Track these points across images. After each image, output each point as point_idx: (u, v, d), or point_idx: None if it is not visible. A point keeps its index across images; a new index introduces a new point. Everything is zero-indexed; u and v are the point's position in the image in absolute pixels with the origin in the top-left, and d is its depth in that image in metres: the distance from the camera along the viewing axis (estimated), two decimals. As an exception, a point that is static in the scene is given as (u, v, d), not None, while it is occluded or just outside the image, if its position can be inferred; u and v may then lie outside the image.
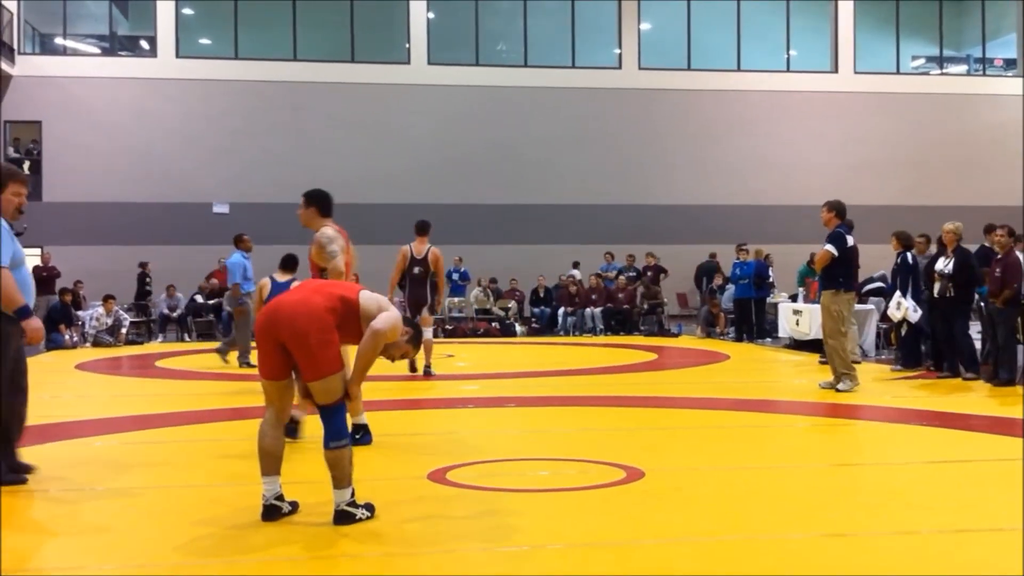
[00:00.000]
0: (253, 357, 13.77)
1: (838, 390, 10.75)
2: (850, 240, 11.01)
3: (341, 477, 5.05)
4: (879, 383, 11.97)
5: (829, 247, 10.91)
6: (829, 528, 5.07)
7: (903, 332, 13.16)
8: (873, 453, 7.56)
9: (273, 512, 5.16)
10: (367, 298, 5.17)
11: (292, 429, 7.30)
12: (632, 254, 24.11)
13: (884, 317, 14.73)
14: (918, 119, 27.37)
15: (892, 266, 13.62)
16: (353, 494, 5.10)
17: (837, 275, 10.98)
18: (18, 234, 6.35)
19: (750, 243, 20.34)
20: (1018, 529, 4.93)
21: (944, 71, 29.40)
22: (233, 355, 14.52)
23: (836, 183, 26.38)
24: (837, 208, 11.14)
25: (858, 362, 13.73)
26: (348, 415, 7.21)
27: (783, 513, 5.41)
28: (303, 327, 4.93)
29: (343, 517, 5.05)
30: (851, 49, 27.73)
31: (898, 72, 28.32)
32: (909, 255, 13.04)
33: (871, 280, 16.82)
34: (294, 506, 5.26)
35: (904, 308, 12.79)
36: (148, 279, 22.58)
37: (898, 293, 12.97)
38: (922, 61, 29.60)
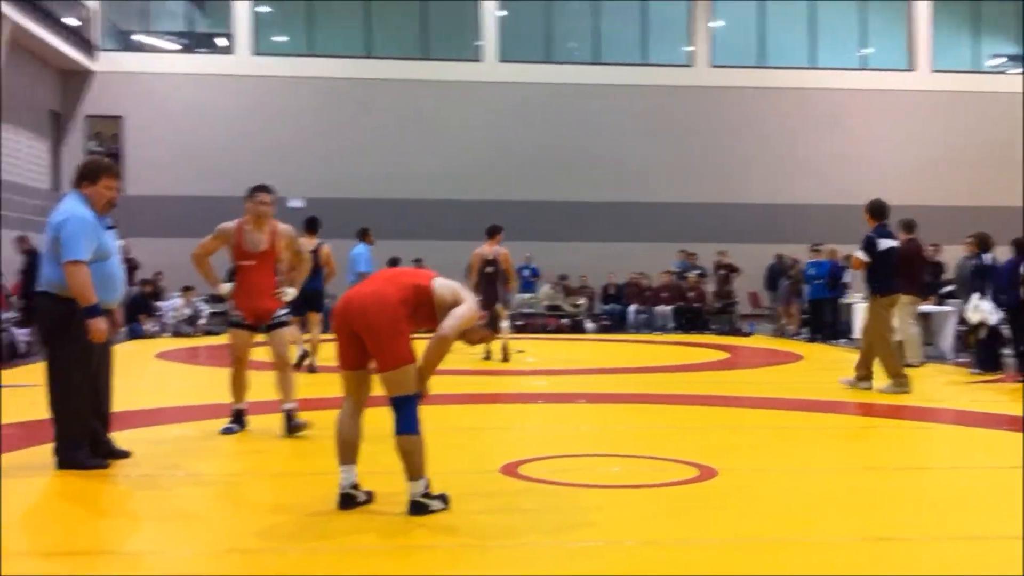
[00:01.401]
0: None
1: (880, 390, 10.65)
2: (884, 243, 10.72)
3: (414, 468, 5.12)
4: (956, 387, 11.78)
5: (859, 253, 10.73)
6: (899, 531, 5.03)
7: (981, 335, 12.92)
8: (948, 457, 7.47)
9: (349, 501, 5.24)
10: (441, 286, 5.24)
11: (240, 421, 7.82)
12: (694, 252, 23.95)
13: (963, 319, 14.47)
14: (997, 118, 26.78)
15: (960, 267, 13.39)
16: (428, 485, 5.17)
17: (873, 280, 10.81)
18: (111, 227, 6.49)
19: (825, 243, 20.09)
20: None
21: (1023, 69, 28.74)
22: None
23: (912, 182, 25.96)
24: (872, 210, 10.95)
25: (915, 365, 13.49)
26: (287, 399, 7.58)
27: (854, 516, 5.38)
28: (375, 318, 5.04)
29: (417, 508, 5.12)
30: (928, 47, 27.24)
31: (977, 70, 27.76)
32: (987, 257, 12.82)
33: (950, 282, 16.55)
34: (369, 496, 5.35)
35: (982, 311, 12.58)
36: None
37: (976, 295, 12.75)
38: (1002, 59, 28.96)
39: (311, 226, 12.63)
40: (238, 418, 7.84)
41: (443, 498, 5.24)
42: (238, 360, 7.86)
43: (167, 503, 5.56)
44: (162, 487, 5.96)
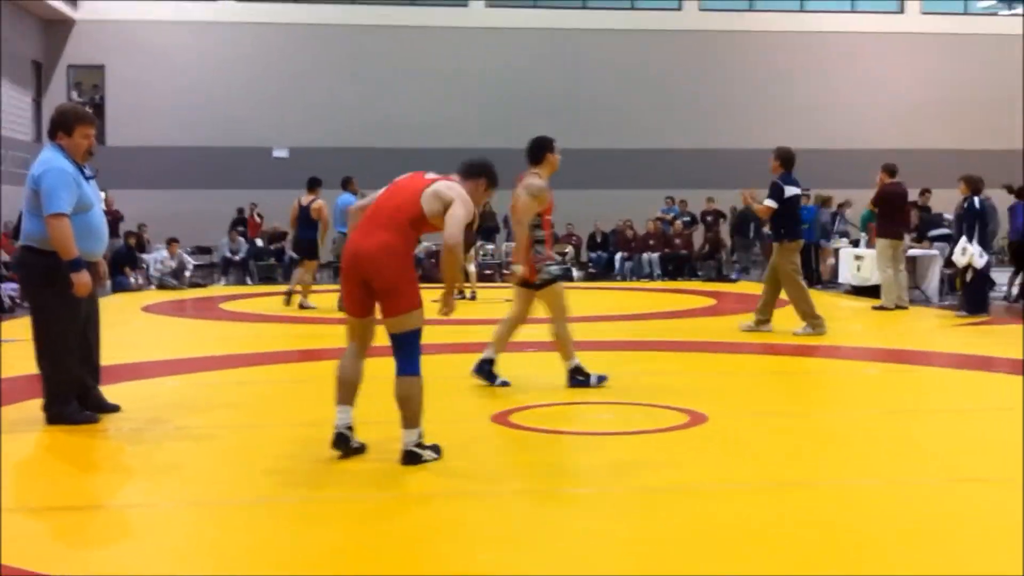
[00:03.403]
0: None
1: (795, 333, 10.79)
2: (789, 190, 10.78)
3: (410, 416, 5.15)
4: (943, 330, 11.84)
5: (769, 201, 10.78)
6: (889, 474, 5.05)
7: (968, 278, 12.95)
8: (936, 399, 7.49)
9: (343, 441, 5.23)
10: (428, 200, 5.21)
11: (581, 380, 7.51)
12: (684, 199, 23.89)
13: (948, 262, 14.50)
14: (988, 60, 26.66)
15: (958, 210, 13.40)
16: (421, 435, 5.17)
17: (778, 227, 10.89)
18: (91, 177, 6.39)
19: (814, 188, 20.03)
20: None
21: (1013, 11, 28.55)
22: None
23: (903, 126, 25.91)
24: (782, 156, 11.01)
25: (904, 307, 13.60)
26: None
27: (845, 459, 5.40)
28: (385, 269, 5.10)
29: (410, 457, 5.13)
30: (918, -13, 27.08)
31: (966, 12, 27.59)
32: (976, 200, 12.81)
33: (939, 224, 16.55)
34: (362, 447, 5.34)
35: (969, 254, 12.60)
36: (253, 219, 22.90)
37: (964, 238, 12.76)
38: (992, 1, 28.79)
39: (312, 184, 14.59)
40: (583, 372, 7.54)
41: (435, 448, 5.25)
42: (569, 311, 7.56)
43: (157, 456, 5.54)
44: (152, 441, 5.93)
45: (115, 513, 4.66)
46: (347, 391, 5.28)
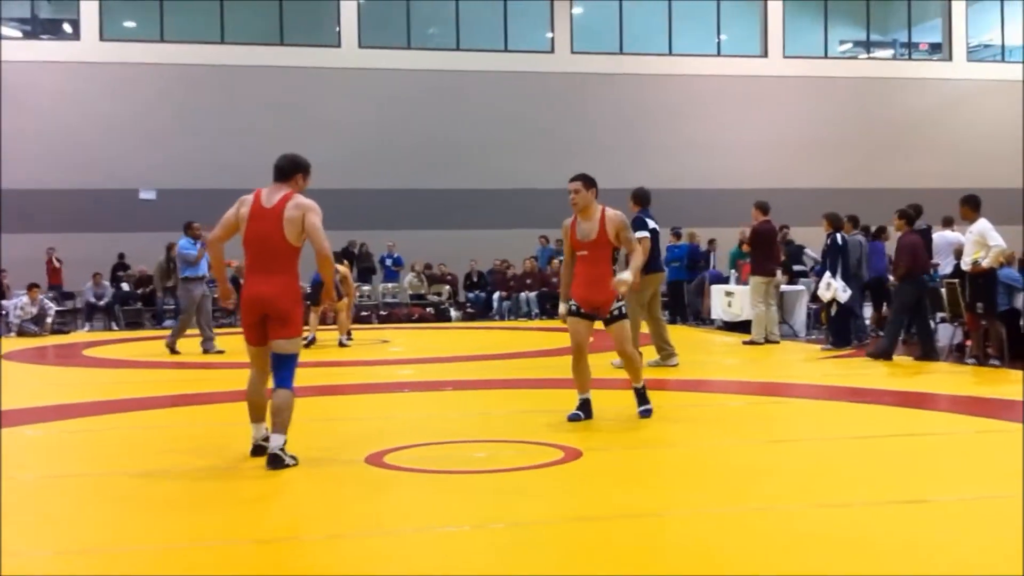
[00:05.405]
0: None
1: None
2: (651, 224, 11.17)
3: (282, 423, 5.95)
4: (810, 363, 12.16)
5: (641, 233, 11.04)
6: (762, 502, 5.13)
7: (832, 312, 13.37)
8: (804, 429, 7.68)
9: (261, 451, 6.11)
10: (293, 234, 6.07)
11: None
12: (560, 238, 24.15)
13: (814, 297, 14.95)
14: (846, 103, 27.77)
15: (822, 247, 13.83)
16: (285, 442, 5.95)
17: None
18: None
19: (683, 226, 20.50)
20: (939, 501, 5.07)
21: (871, 55, 29.85)
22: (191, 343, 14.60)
23: (767, 167, 26.70)
24: (637, 196, 11.51)
25: (776, 342, 14.01)
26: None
27: (718, 489, 5.47)
28: (283, 303, 6.02)
29: (275, 460, 5.89)
30: (780, 33, 28.04)
31: (826, 56, 28.70)
32: (839, 236, 13.26)
33: (802, 261, 17.07)
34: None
35: (833, 288, 13.01)
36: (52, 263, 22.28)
37: (828, 273, 13.18)
38: (849, 45, 30.04)
39: None
40: (584, 406, 7.70)
41: (293, 457, 5.98)
42: (578, 349, 7.75)
43: (23, 505, 5.28)
44: (17, 490, 5.65)
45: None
46: (258, 411, 6.24)
